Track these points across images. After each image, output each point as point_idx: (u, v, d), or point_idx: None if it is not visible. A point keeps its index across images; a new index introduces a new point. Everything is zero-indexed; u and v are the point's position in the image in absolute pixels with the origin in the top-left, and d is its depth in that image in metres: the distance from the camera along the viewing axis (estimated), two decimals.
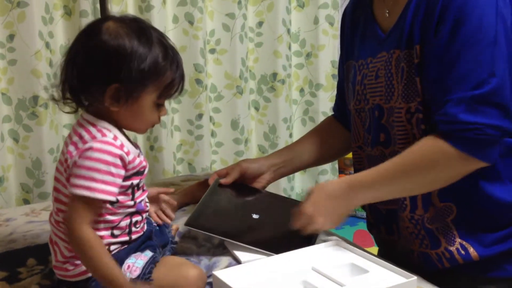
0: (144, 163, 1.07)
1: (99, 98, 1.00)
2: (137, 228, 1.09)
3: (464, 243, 1.15)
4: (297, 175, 2.82)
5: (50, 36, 2.13)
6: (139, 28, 1.02)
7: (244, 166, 1.41)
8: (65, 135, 2.24)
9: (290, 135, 2.72)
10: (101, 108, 1.02)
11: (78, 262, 1.04)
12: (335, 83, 2.74)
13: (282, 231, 1.27)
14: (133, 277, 1.04)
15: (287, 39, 2.61)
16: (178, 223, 1.35)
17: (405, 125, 1.14)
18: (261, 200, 1.40)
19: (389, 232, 1.28)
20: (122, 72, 0.98)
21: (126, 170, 1.02)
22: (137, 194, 1.06)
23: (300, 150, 1.48)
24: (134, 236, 1.08)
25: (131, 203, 1.05)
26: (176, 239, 1.33)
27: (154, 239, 1.13)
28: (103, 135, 1.00)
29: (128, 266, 1.05)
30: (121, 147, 1.00)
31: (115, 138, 1.01)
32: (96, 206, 1.00)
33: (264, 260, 1.10)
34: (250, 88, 2.64)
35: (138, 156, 1.06)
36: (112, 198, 0.99)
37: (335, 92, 2.73)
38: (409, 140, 1.14)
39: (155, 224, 1.20)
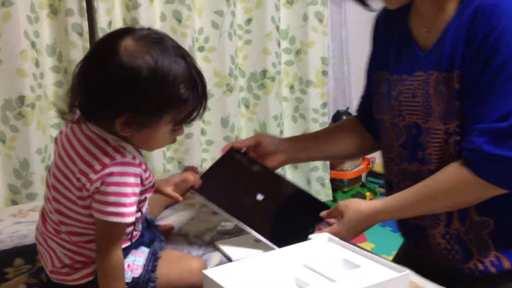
0: (154, 176, 1.04)
1: (110, 122, 0.93)
2: (136, 231, 1.08)
3: (499, 255, 1.16)
4: (288, 171, 2.81)
5: (35, 36, 2.10)
6: (162, 48, 0.91)
7: (262, 136, 1.40)
8: (52, 135, 2.22)
9: (281, 132, 2.71)
10: (111, 127, 0.95)
11: (78, 266, 1.02)
12: (325, 79, 2.75)
13: (283, 219, 1.27)
14: (136, 276, 1.03)
15: (276, 36, 2.60)
16: (171, 222, 1.34)
17: (442, 145, 1.15)
18: (269, 180, 1.38)
19: (418, 246, 1.28)
20: (139, 100, 0.89)
21: (143, 185, 0.99)
22: (142, 203, 1.05)
23: (320, 142, 1.46)
24: (134, 240, 1.07)
25: (139, 214, 1.04)
26: None
27: (145, 235, 1.12)
28: (123, 156, 0.95)
29: (128, 265, 1.04)
30: (140, 165, 0.97)
31: (134, 157, 0.96)
32: (125, 229, 0.99)
33: (255, 258, 1.09)
34: (240, 86, 2.62)
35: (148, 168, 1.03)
36: (134, 218, 0.98)
37: (325, 89, 2.77)
38: (445, 159, 1.16)
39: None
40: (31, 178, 2.14)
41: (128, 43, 0.90)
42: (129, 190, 0.94)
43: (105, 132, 0.95)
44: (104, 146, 0.95)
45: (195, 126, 2.47)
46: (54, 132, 2.23)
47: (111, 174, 0.93)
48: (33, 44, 2.09)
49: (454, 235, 1.19)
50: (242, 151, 1.39)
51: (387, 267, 1.02)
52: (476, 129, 1.07)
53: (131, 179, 0.94)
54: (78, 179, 0.95)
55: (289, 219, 1.29)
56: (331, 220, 1.28)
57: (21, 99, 2.07)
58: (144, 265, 1.04)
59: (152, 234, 1.16)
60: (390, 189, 1.33)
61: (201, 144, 2.56)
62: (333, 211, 1.27)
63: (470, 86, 1.09)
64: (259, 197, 1.28)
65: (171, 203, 1.44)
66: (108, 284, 0.97)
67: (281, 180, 1.42)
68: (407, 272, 0.98)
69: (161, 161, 2.42)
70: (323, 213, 1.29)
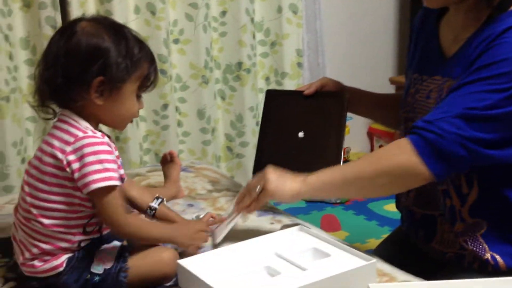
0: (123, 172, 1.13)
1: (84, 93, 1.04)
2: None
3: (494, 254, 1.18)
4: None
5: (9, 29, 2.09)
6: (112, 24, 1.08)
7: (326, 80, 1.47)
8: (29, 128, 2.22)
9: (257, 124, 2.73)
10: (83, 106, 1.05)
11: (47, 258, 1.05)
12: (301, 71, 2.78)
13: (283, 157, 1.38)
14: (107, 267, 1.06)
15: (251, 28, 2.62)
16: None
17: None
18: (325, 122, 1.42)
19: (427, 239, 1.29)
20: (105, 66, 1.03)
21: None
22: None
23: (373, 101, 1.50)
24: (104, 232, 1.10)
25: None
26: None
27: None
28: (93, 131, 1.05)
29: (100, 258, 1.07)
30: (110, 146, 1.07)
31: (102, 135, 1.06)
32: (118, 193, 1.05)
33: (227, 248, 1.12)
34: (216, 78, 2.64)
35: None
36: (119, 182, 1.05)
37: (300, 81, 2.79)
38: None
39: None
40: (7, 171, 2.14)
41: (83, 24, 1.06)
42: (107, 156, 1.03)
43: (76, 116, 1.06)
44: (75, 124, 1.05)
45: (171, 118, 2.48)
46: (30, 125, 2.23)
47: (86, 145, 1.02)
48: (6, 38, 2.08)
49: (450, 233, 1.22)
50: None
51: (356, 255, 1.06)
52: (435, 112, 1.10)
53: (105, 147, 1.03)
54: (54, 156, 1.03)
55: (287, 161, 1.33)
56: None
57: None
58: (116, 257, 1.07)
59: None
60: None
61: (178, 135, 2.58)
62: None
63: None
64: (301, 134, 1.39)
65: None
66: (146, 240, 1.11)
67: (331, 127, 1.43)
68: (374, 261, 1.02)
69: (138, 153, 2.44)
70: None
